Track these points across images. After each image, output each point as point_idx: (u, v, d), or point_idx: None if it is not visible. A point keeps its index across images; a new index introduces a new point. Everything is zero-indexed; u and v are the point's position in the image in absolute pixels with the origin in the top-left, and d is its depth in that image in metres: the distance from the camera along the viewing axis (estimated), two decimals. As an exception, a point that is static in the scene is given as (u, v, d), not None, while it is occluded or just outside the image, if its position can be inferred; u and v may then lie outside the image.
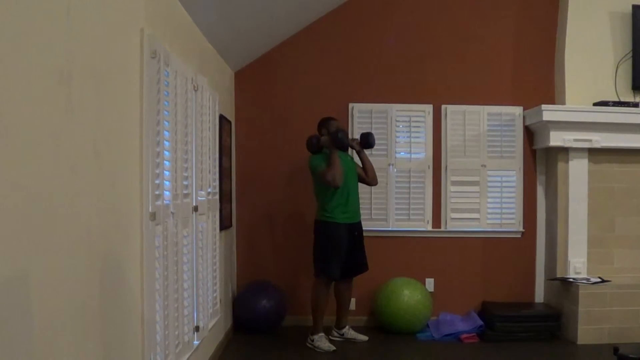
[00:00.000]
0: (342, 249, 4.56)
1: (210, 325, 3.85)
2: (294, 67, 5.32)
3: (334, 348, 4.56)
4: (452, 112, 5.35)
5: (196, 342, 3.41)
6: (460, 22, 5.37)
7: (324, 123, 4.76)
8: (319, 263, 4.62)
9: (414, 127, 5.36)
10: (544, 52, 5.33)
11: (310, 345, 4.61)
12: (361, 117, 5.31)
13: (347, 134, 4.79)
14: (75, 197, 1.92)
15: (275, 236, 5.33)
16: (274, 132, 5.34)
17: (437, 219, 5.35)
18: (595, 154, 5.01)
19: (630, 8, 5.02)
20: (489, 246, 5.38)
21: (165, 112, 2.81)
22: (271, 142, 5.34)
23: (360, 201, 4.92)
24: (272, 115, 5.35)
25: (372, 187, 5.11)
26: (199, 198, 3.50)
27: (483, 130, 5.34)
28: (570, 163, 5.01)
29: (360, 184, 4.82)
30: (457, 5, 5.38)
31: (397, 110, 5.33)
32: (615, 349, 3.46)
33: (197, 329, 3.42)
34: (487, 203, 5.33)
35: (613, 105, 4.89)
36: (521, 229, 5.36)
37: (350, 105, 5.33)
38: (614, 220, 5.08)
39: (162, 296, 2.73)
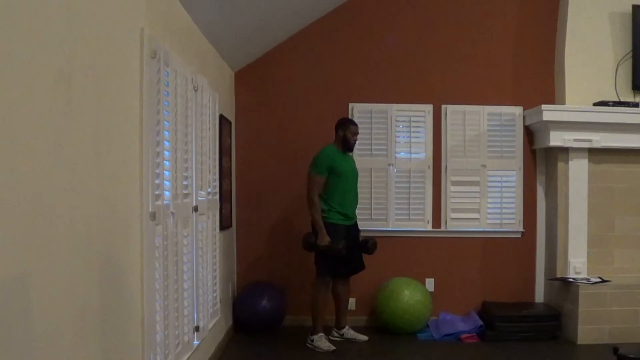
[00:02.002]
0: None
1: (210, 325, 3.85)
2: (294, 67, 5.32)
3: (334, 348, 4.56)
4: (452, 112, 5.35)
5: (196, 342, 3.41)
6: (461, 22, 5.37)
7: (343, 125, 4.68)
8: (320, 262, 4.61)
9: (414, 127, 5.36)
10: (544, 52, 5.33)
11: (310, 346, 4.60)
12: (361, 117, 5.30)
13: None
14: (75, 197, 1.92)
15: (275, 236, 5.33)
16: (274, 132, 5.34)
17: (437, 219, 5.35)
18: (595, 154, 5.01)
19: (630, 8, 5.02)
20: (489, 246, 5.38)
21: (165, 112, 2.81)
22: (271, 142, 5.34)
23: (361, 201, 4.92)
24: (272, 115, 5.35)
25: (373, 187, 5.20)
26: (199, 198, 3.50)
27: (483, 130, 5.34)
28: (570, 163, 5.01)
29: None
30: (457, 5, 5.37)
31: (397, 110, 5.33)
32: (615, 349, 3.46)
33: (197, 329, 3.42)
34: (487, 203, 5.33)
35: (613, 105, 4.88)
36: (521, 229, 5.36)
37: (350, 105, 5.33)
38: (614, 220, 5.08)
39: (162, 296, 2.73)
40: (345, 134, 4.64)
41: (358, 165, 4.94)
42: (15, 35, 1.54)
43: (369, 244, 4.76)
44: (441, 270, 5.35)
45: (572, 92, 5.06)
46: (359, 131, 4.78)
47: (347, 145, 4.67)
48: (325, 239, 4.48)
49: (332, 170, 4.56)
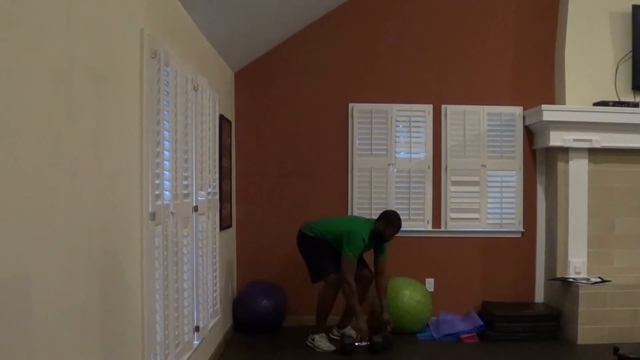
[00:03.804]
0: (329, 249, 4.59)
1: (210, 325, 3.85)
2: (294, 67, 5.32)
3: (334, 348, 4.55)
4: (452, 112, 5.35)
5: (196, 342, 3.41)
6: (460, 22, 5.37)
7: (389, 223, 4.59)
8: (315, 268, 4.63)
9: (414, 127, 5.36)
10: (544, 53, 5.32)
11: (310, 344, 4.60)
12: (361, 117, 5.30)
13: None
14: (75, 197, 1.92)
15: (275, 236, 5.32)
16: (274, 132, 5.34)
17: (437, 219, 5.35)
18: (595, 154, 5.01)
19: (630, 8, 5.02)
20: (489, 246, 5.37)
21: (165, 112, 2.81)
22: (271, 142, 5.34)
23: (360, 200, 4.94)
24: (272, 115, 5.34)
25: (373, 187, 5.21)
26: (199, 198, 3.50)
27: (483, 130, 5.34)
28: (570, 163, 5.01)
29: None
30: (457, 5, 5.37)
31: (397, 110, 5.33)
32: (615, 349, 3.47)
33: (197, 329, 3.42)
34: (487, 203, 5.33)
35: (613, 105, 4.89)
36: (521, 229, 5.36)
37: (350, 105, 5.32)
38: (614, 220, 5.08)
39: (162, 296, 2.73)
40: (385, 230, 4.56)
41: (358, 165, 4.92)
42: (16, 35, 1.54)
43: (377, 346, 4.47)
44: (441, 270, 5.35)
45: (572, 92, 5.06)
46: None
47: (380, 238, 4.63)
48: (365, 327, 4.49)
49: None
